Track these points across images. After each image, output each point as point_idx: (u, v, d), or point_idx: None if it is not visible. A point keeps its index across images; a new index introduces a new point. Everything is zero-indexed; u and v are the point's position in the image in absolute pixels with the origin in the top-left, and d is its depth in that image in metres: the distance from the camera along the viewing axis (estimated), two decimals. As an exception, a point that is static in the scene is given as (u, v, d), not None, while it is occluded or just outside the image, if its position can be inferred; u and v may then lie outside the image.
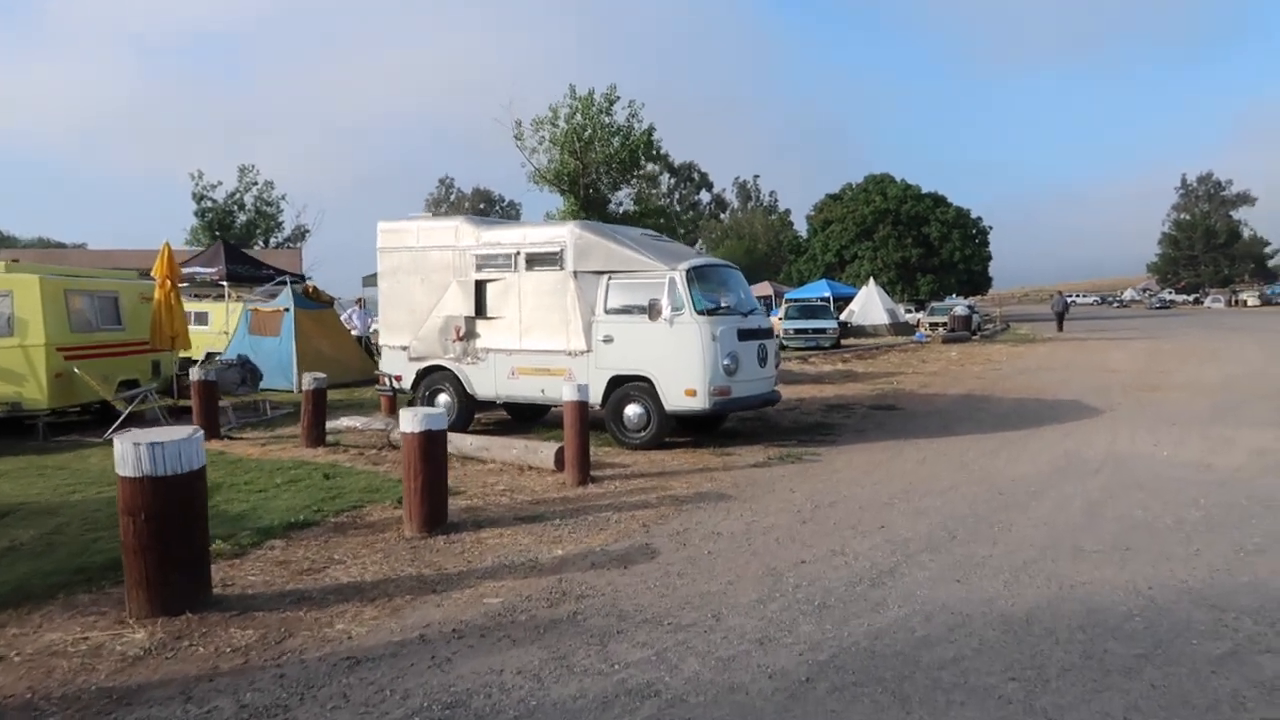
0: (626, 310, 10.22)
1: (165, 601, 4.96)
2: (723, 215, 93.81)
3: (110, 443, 11.96)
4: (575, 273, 10.49)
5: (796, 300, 37.43)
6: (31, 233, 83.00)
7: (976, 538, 6.50)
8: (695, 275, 10.16)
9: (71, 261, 46.77)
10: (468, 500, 7.88)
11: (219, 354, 16.88)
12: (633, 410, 10.24)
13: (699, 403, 9.84)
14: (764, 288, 48.06)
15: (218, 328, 20.16)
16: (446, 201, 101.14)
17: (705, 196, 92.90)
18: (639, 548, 6.35)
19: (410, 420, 6.78)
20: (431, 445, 6.80)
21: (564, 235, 10.61)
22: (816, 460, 9.62)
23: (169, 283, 13.10)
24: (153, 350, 13.73)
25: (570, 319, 10.50)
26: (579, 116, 26.32)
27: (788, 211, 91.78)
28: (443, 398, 11.50)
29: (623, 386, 10.27)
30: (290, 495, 8.11)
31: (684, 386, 9.85)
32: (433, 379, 11.57)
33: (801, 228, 76.69)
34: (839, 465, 9.35)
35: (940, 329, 36.16)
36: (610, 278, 10.39)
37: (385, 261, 11.87)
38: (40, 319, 11.79)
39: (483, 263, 11.12)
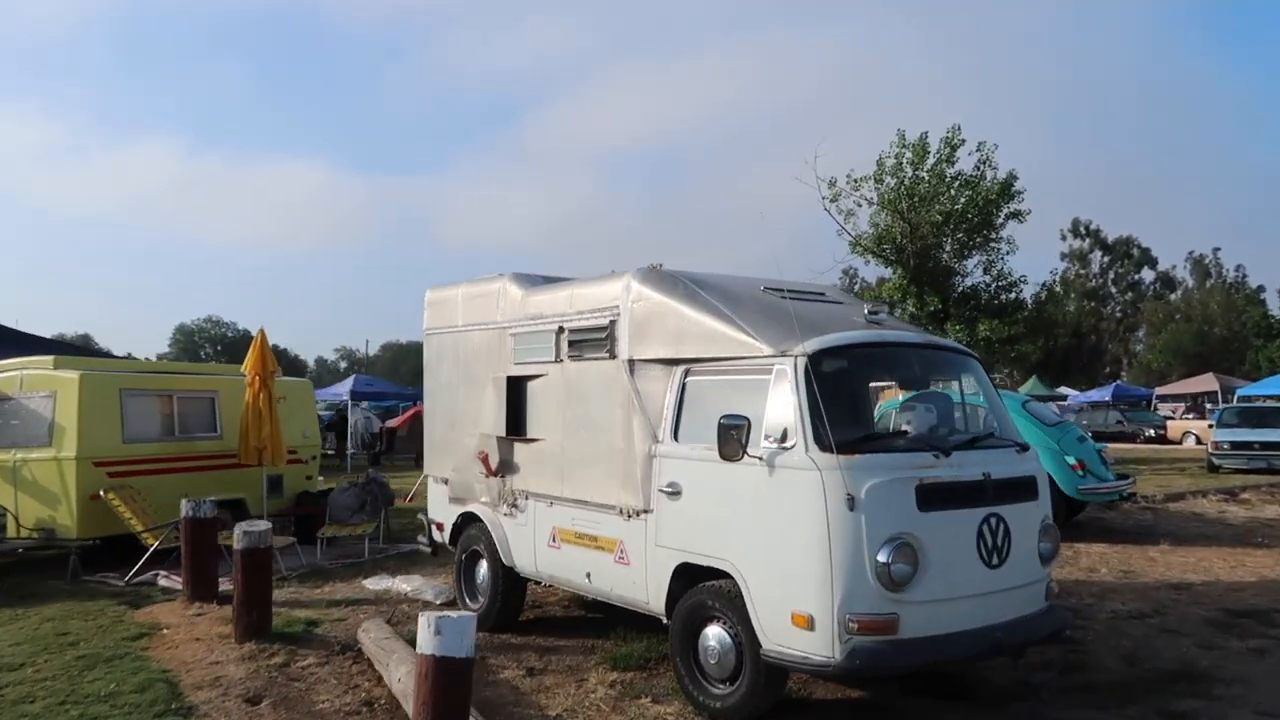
0: (707, 435, 5.18)
1: None
2: (1173, 295, 78.03)
3: (129, 590, 8.47)
4: (632, 362, 5.70)
5: (1245, 401, 27.39)
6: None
7: None
8: (835, 365, 4.86)
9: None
10: None
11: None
12: (715, 638, 5.04)
13: (818, 646, 4.41)
14: (1206, 381, 37.11)
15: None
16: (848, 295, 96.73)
17: (1149, 275, 78.46)
18: None
19: None
20: None
21: (616, 295, 5.86)
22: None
23: (259, 380, 10.27)
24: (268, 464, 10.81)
25: (624, 447, 5.67)
26: (908, 168, 20.82)
27: (1260, 289, 73.56)
28: (484, 566, 7.13)
29: (702, 587, 5.15)
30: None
31: (789, 605, 4.53)
32: (470, 535, 7.25)
33: (1275, 305, 61.56)
34: None
35: None
36: (687, 372, 5.43)
37: (429, 348, 7.94)
38: (74, 425, 9.48)
39: (521, 347, 6.71)
